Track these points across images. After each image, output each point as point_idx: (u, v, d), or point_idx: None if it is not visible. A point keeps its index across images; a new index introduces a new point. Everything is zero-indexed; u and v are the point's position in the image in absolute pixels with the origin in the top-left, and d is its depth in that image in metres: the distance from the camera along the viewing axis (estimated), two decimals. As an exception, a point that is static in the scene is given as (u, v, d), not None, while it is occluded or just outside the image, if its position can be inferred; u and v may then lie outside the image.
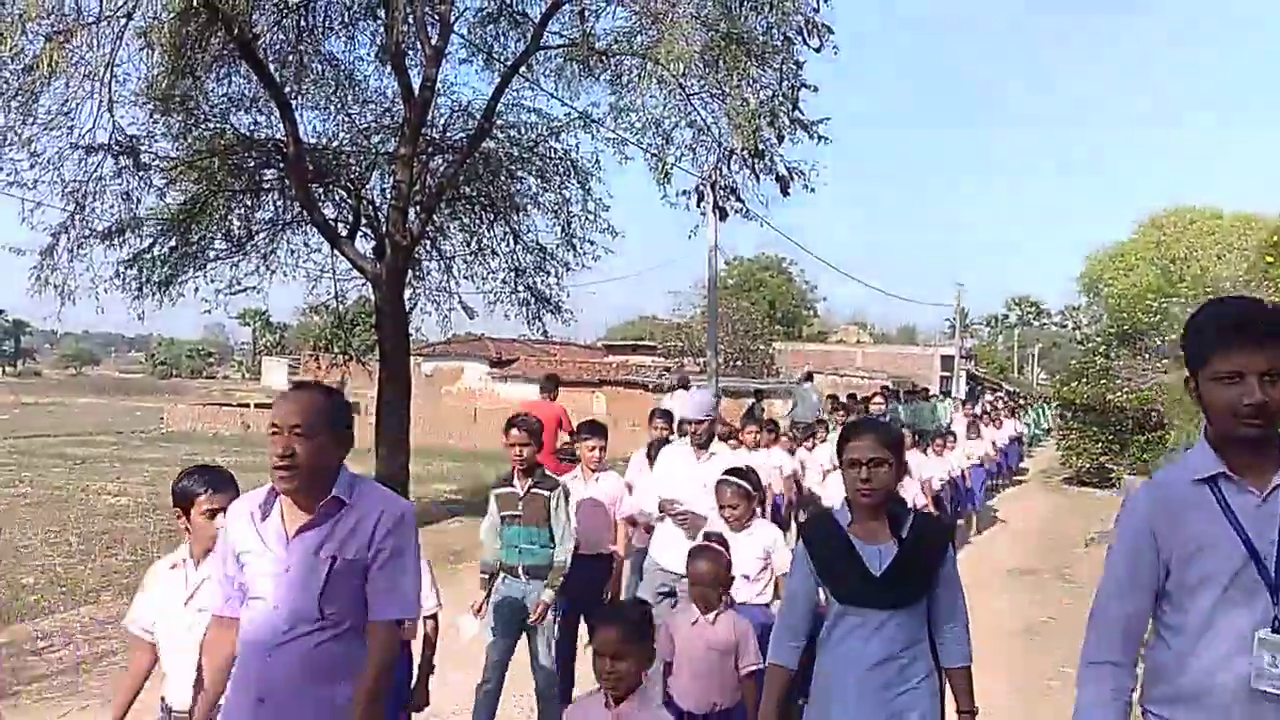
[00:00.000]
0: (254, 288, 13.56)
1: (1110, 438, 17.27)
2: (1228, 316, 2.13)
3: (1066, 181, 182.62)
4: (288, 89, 11.64)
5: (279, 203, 13.27)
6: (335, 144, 13.19)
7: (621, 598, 5.96)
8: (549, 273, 14.43)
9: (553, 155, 13.83)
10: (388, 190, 12.62)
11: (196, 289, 12.99)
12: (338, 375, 17.47)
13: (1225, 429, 2.09)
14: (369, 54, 12.86)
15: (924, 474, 9.63)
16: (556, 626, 5.11)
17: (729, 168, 12.96)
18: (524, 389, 31.52)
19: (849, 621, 2.93)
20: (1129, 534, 2.24)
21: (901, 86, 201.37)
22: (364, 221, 13.03)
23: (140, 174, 11.54)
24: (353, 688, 2.62)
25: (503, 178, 13.80)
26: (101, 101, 9.91)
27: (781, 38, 11.41)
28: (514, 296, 14.46)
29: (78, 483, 15.49)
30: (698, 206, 14.34)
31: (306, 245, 13.76)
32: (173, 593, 3.26)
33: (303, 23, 11.74)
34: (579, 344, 38.67)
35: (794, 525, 9.07)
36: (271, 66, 11.23)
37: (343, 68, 12.83)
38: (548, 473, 5.10)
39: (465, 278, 14.51)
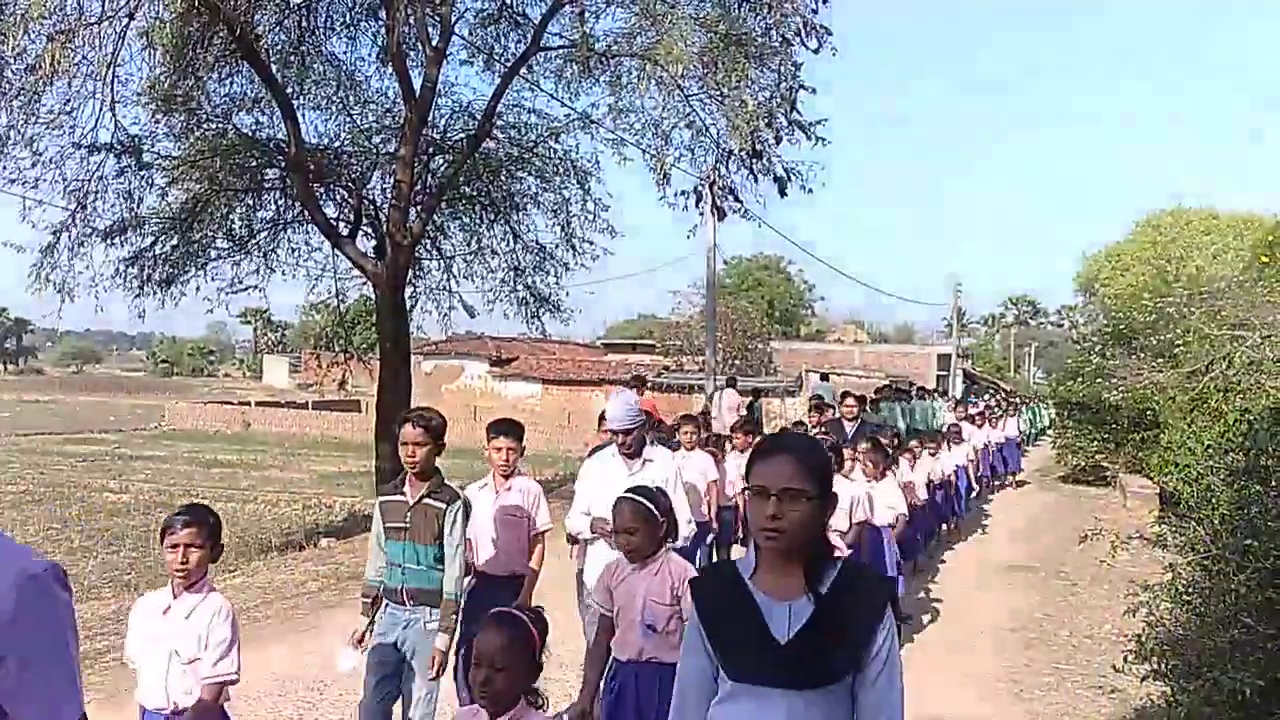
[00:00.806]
0: (255, 286, 13.65)
1: (1106, 436, 17.33)
2: None
3: (1064, 181, 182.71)
4: (289, 89, 11.72)
5: (280, 202, 13.35)
6: (336, 144, 13.27)
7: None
8: (548, 272, 14.53)
9: (552, 155, 13.91)
10: (388, 190, 12.68)
11: (198, 288, 13.07)
12: (338, 374, 17.52)
13: None
14: (370, 55, 12.97)
15: (907, 479, 8.89)
16: (456, 674, 4.42)
17: (727, 168, 13.06)
18: (523, 387, 31.73)
19: (741, 705, 2.17)
20: None
21: (901, 85, 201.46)
22: (365, 221, 13.10)
23: (142, 173, 11.62)
24: None
25: (503, 178, 13.89)
26: (104, 101, 9.99)
27: (780, 39, 11.49)
28: (513, 295, 14.54)
29: (79, 480, 15.55)
30: (696, 207, 14.44)
31: (308, 244, 13.87)
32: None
33: (304, 23, 11.82)
34: (578, 343, 38.77)
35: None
36: (273, 67, 11.29)
37: (344, 68, 12.94)
38: (447, 481, 4.38)
39: (465, 277, 14.63)
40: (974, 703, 6.13)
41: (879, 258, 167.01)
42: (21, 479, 15.42)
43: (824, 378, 17.82)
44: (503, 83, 12.28)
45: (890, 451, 7.91)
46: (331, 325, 15.90)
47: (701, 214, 15.57)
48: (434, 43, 11.67)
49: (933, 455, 10.78)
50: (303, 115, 12.10)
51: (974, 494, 14.38)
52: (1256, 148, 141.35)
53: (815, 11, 11.45)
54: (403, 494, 4.33)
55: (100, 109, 10.08)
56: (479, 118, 12.46)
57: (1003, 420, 18.92)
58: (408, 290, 13.22)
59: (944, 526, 11.91)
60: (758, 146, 11.70)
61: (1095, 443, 17.83)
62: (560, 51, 12.60)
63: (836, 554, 2.29)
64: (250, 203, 13.10)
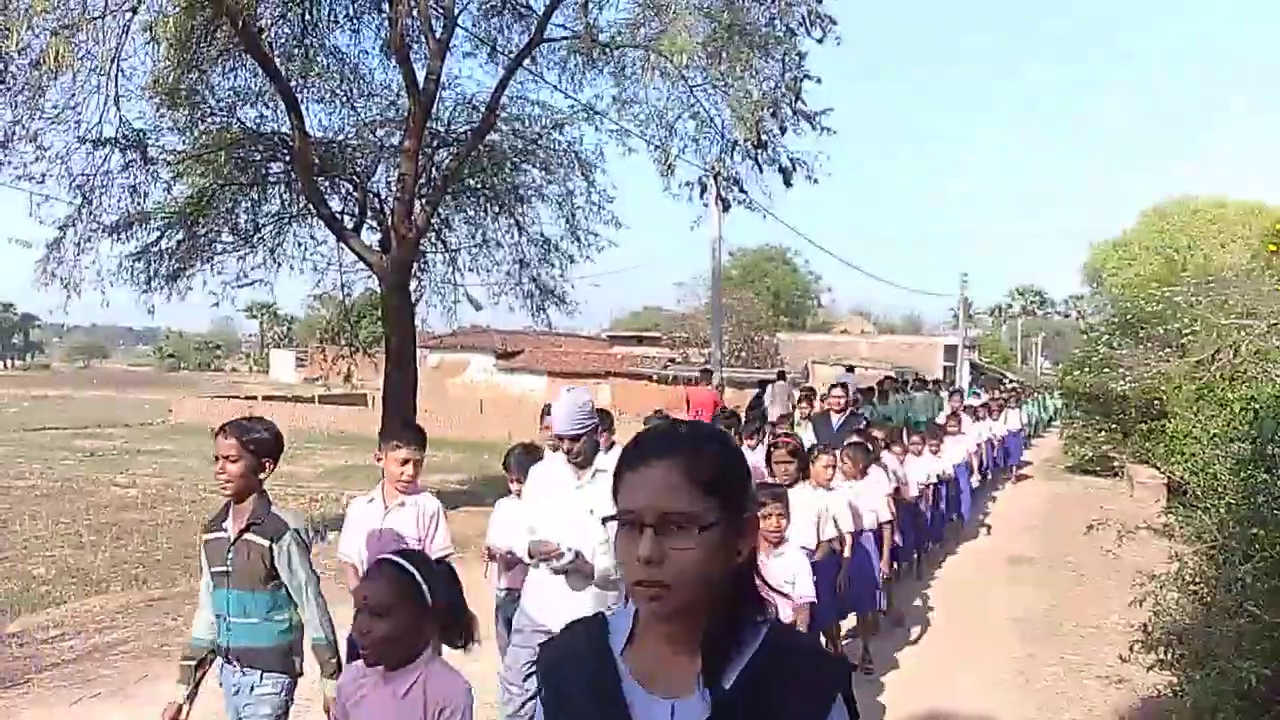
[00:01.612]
0: (261, 280, 13.66)
1: (1113, 426, 17.28)
2: None
3: (1072, 171, 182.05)
4: (293, 83, 11.70)
5: (285, 196, 13.37)
6: (341, 137, 13.24)
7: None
8: (553, 264, 14.52)
9: (556, 147, 13.89)
10: (393, 183, 12.67)
11: (204, 282, 13.09)
12: (344, 367, 17.54)
13: None
14: (374, 47, 13.01)
15: (899, 478, 8.01)
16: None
17: (732, 159, 13.03)
18: (529, 380, 31.73)
19: None
20: None
21: (908, 74, 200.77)
22: (369, 214, 13.09)
23: (147, 168, 11.64)
24: None
25: (507, 170, 13.87)
26: (108, 95, 10.01)
27: (784, 29, 11.46)
28: (519, 288, 14.54)
29: (87, 474, 15.59)
30: (701, 198, 14.42)
31: (313, 238, 13.85)
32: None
33: (308, 16, 11.82)
34: (584, 335, 38.77)
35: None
36: (277, 60, 11.28)
37: (348, 61, 12.92)
38: (274, 510, 3.45)
39: (470, 270, 14.62)
40: (981, 693, 6.13)
41: (886, 249, 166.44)
42: (29, 473, 15.47)
43: (849, 369, 18.47)
44: (506, 74, 12.26)
45: (870, 448, 7.09)
46: (337, 319, 15.91)
47: (706, 205, 15.55)
48: (437, 35, 11.65)
49: (934, 453, 9.85)
50: (307, 109, 12.10)
51: (977, 487, 14.19)
52: (1265, 138, 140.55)
53: (819, 0, 11.42)
54: (223, 529, 3.42)
55: (105, 103, 10.11)
56: (483, 110, 12.44)
57: (1004, 412, 18.69)
58: (413, 283, 13.23)
59: (945, 525, 11.64)
60: (762, 137, 11.67)
61: (1102, 433, 17.79)
62: (564, 43, 12.58)
63: (766, 612, 1.44)
64: (255, 197, 13.11)
